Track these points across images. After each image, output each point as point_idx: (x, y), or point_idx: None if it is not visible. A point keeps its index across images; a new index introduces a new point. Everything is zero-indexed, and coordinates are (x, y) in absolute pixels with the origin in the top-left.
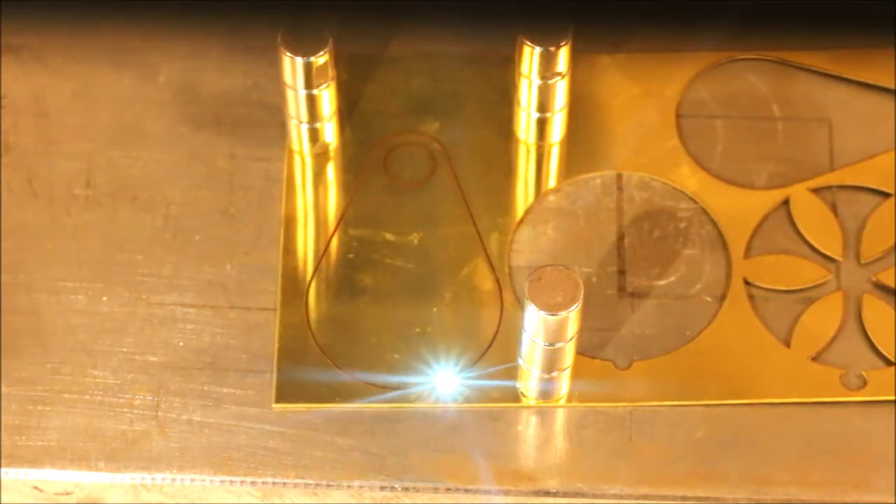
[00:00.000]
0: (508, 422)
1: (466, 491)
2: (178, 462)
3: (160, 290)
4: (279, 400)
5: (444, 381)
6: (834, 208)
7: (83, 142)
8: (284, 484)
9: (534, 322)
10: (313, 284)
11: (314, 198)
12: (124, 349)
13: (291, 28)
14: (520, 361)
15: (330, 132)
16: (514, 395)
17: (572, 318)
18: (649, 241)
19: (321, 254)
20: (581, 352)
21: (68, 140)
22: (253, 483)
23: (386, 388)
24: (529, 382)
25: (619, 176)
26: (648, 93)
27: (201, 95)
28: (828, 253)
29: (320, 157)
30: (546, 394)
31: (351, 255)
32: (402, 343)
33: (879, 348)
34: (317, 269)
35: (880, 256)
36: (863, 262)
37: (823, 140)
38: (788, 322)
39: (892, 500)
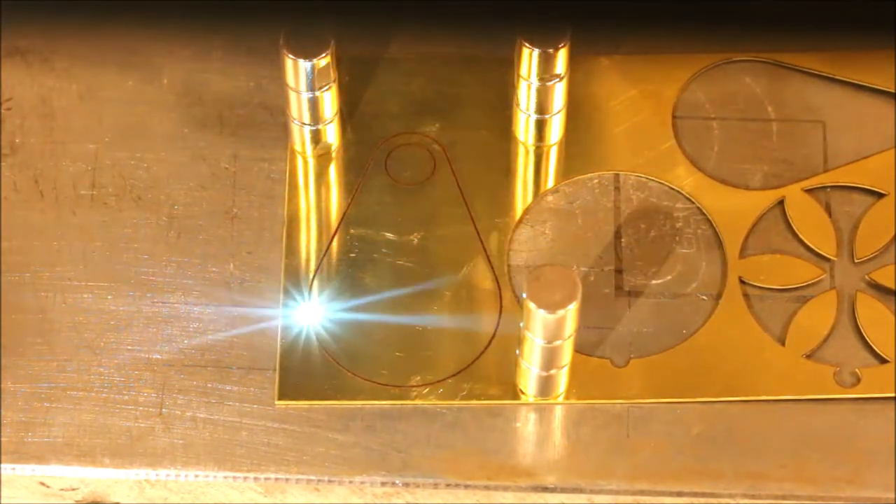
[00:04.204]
0: (507, 418)
1: (466, 487)
2: (182, 458)
3: (164, 289)
4: (282, 397)
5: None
6: (828, 208)
7: (88, 143)
8: (287, 480)
9: (532, 320)
10: (315, 283)
11: (316, 198)
12: (129, 347)
13: (294, 31)
14: (519, 359)
15: (331, 133)
16: (513, 392)
17: (570, 316)
18: (646, 241)
19: (323, 253)
20: (579, 350)
21: (74, 141)
22: (256, 479)
23: (387, 385)
24: (528, 380)
25: (617, 176)
26: (645, 94)
27: (205, 97)
28: (822, 252)
29: (322, 158)
30: (544, 391)
31: (352, 255)
32: (403, 341)
33: (873, 346)
34: (319, 267)
35: (874, 255)
36: (856, 261)
37: (817, 141)
38: (783, 320)
39: (886, 496)
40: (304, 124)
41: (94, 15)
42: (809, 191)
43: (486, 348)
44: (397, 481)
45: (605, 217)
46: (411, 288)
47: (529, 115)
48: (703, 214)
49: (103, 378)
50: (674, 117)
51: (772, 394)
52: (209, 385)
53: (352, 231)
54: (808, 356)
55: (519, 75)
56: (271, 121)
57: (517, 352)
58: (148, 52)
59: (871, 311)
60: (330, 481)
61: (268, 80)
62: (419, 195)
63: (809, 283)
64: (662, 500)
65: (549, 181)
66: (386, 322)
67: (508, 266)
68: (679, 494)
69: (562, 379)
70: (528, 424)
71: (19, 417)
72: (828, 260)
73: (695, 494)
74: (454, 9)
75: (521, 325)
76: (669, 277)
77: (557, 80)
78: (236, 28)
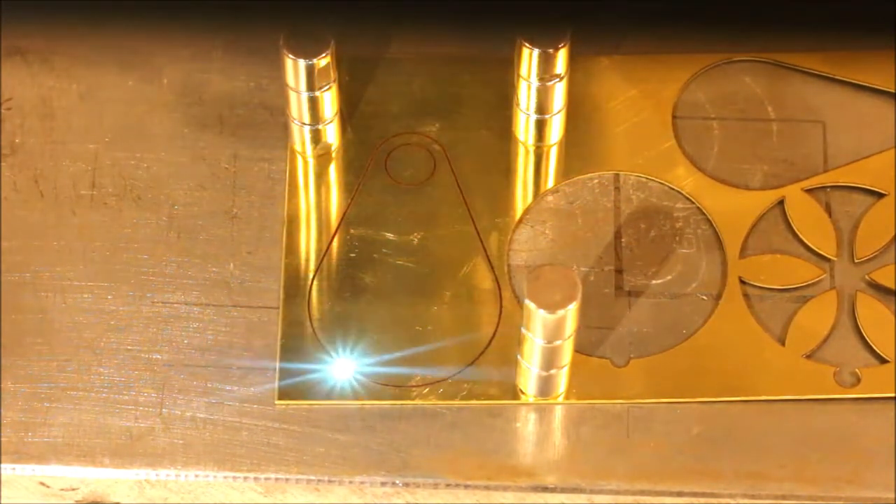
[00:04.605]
0: (507, 418)
1: (466, 487)
2: (182, 458)
3: (164, 289)
4: (282, 397)
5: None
6: (828, 208)
7: (88, 143)
8: (287, 480)
9: (532, 320)
10: (315, 283)
11: (316, 198)
12: (129, 347)
13: (294, 30)
14: (519, 359)
15: (331, 133)
16: (513, 393)
17: (570, 316)
18: (646, 241)
19: (323, 253)
20: (579, 350)
21: (74, 141)
22: (256, 479)
23: (387, 385)
24: (528, 380)
25: (617, 176)
26: (645, 94)
27: (205, 97)
28: (822, 252)
29: (322, 158)
30: (544, 391)
31: (352, 255)
32: (403, 341)
33: (873, 346)
34: (318, 267)
35: (874, 255)
36: (857, 261)
37: (817, 141)
38: (783, 320)
39: (886, 496)
40: (304, 124)
41: (94, 15)
42: (809, 191)
43: (486, 348)
44: (397, 481)
45: (605, 217)
46: (411, 288)
47: (529, 115)
48: (703, 214)
49: (103, 378)
50: (674, 117)
51: (772, 394)
52: (209, 385)
53: (352, 231)
54: (808, 356)
55: (519, 75)
56: (271, 121)
57: (517, 352)
58: (148, 53)
59: (871, 311)
60: (330, 481)
61: (268, 80)
62: (419, 195)
63: (809, 283)
64: (662, 500)
65: (549, 181)
66: (386, 322)
67: (508, 266)
68: (679, 494)
69: (562, 379)
70: (528, 424)
71: (19, 417)
72: (828, 260)
73: (695, 494)
74: (454, 9)
75: (522, 325)
76: (669, 277)
77: (557, 80)
78: (236, 28)
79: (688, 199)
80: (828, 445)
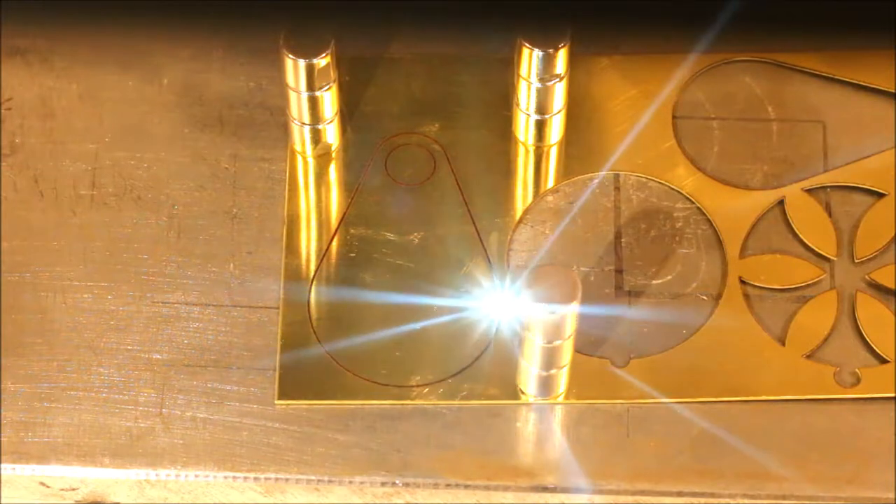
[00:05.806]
0: (507, 418)
1: (466, 487)
2: (182, 458)
3: (164, 289)
4: (282, 397)
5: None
6: (828, 208)
7: (88, 143)
8: (287, 480)
9: (532, 320)
10: (315, 283)
11: (316, 198)
12: (129, 347)
13: (293, 30)
14: (519, 359)
15: (331, 133)
16: (513, 393)
17: (570, 316)
18: (646, 241)
19: (323, 253)
20: (579, 350)
21: (74, 141)
22: (256, 479)
23: (387, 385)
24: (528, 380)
25: (617, 176)
26: (645, 94)
27: (205, 97)
28: (822, 252)
29: (322, 158)
30: (544, 391)
31: (352, 254)
32: (403, 341)
33: (873, 346)
34: (318, 267)
35: (874, 255)
36: (856, 261)
37: (817, 141)
38: (783, 320)
39: (886, 496)
40: (304, 124)
41: (94, 15)
42: (809, 191)
43: (486, 348)
44: (397, 481)
45: (605, 217)
46: (411, 287)
47: (529, 115)
48: (703, 214)
49: (103, 378)
50: (674, 117)
51: (772, 394)
52: (209, 385)
53: (352, 231)
54: (809, 356)
55: (519, 75)
56: (271, 121)
57: (517, 352)
58: (148, 53)
59: (871, 310)
60: (330, 481)
61: (267, 80)
62: (419, 195)
63: (809, 283)
64: (662, 500)
65: (549, 181)
66: (386, 322)
67: (508, 266)
68: (679, 494)
69: (562, 379)
70: (527, 424)
71: (19, 417)
72: (828, 260)
73: (695, 494)
74: (454, 9)
75: (521, 325)
76: (669, 277)
77: (557, 80)
78: (236, 28)
79: (688, 199)
80: (828, 445)
